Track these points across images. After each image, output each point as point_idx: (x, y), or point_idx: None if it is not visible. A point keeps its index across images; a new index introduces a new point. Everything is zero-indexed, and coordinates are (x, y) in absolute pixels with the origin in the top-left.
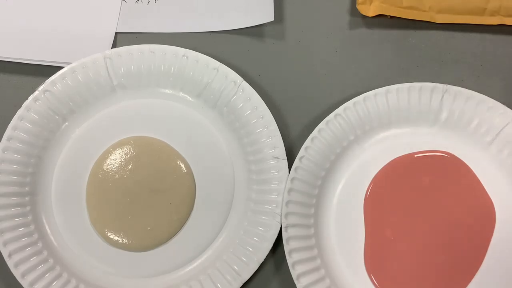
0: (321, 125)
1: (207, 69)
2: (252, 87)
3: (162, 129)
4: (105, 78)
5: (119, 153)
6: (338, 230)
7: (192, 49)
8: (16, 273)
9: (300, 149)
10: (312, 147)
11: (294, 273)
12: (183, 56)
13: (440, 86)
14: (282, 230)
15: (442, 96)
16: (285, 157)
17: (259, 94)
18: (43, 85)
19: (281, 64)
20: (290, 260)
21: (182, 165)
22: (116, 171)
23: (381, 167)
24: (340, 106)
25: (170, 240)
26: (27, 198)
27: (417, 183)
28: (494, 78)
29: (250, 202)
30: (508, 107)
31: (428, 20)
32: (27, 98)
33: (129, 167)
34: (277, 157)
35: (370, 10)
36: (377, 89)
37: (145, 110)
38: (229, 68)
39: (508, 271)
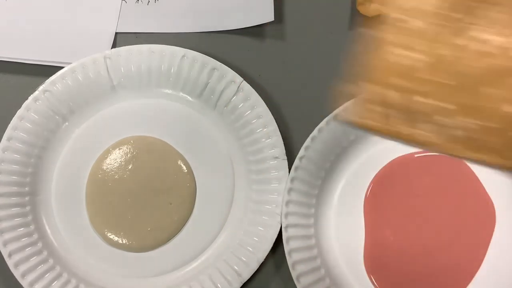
0: (321, 125)
1: (207, 69)
2: (252, 87)
3: (162, 129)
4: (105, 78)
5: (119, 153)
6: (338, 230)
7: (192, 49)
8: (16, 273)
9: (300, 149)
10: (312, 147)
11: (294, 273)
12: (183, 56)
13: None
14: (282, 230)
15: None
16: (285, 157)
17: (259, 94)
18: (43, 85)
19: (281, 64)
20: (290, 260)
21: (183, 165)
22: (116, 171)
23: (381, 167)
24: (340, 106)
25: (170, 241)
26: (27, 198)
27: (417, 183)
28: None
29: (250, 202)
30: None
31: None
32: (27, 98)
33: (129, 167)
34: (277, 157)
35: (370, 10)
36: None
37: (145, 110)
38: (229, 68)
39: (508, 271)
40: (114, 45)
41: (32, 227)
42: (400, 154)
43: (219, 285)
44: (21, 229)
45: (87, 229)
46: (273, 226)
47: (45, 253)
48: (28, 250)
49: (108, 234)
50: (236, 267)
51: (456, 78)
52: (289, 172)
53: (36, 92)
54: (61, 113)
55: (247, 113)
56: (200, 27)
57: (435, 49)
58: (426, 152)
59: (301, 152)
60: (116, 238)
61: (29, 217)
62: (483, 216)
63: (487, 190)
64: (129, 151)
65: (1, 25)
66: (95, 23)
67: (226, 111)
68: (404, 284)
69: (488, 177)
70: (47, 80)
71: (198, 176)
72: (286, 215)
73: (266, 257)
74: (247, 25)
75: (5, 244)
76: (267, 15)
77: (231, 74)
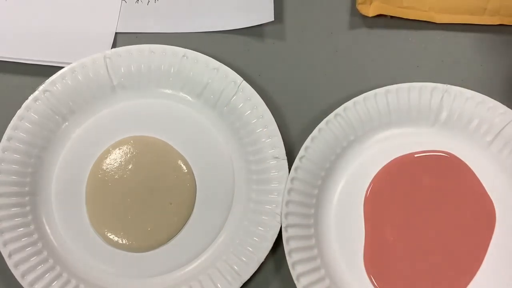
0: (321, 125)
1: (207, 69)
2: (252, 87)
3: (162, 129)
4: (105, 78)
5: (119, 153)
6: (338, 230)
7: (192, 49)
8: (16, 273)
9: (300, 149)
10: (312, 147)
11: (294, 273)
12: (183, 56)
13: (440, 86)
14: (282, 230)
15: (442, 96)
16: (285, 157)
17: (259, 94)
18: (43, 85)
19: (281, 64)
20: (290, 260)
21: (183, 165)
22: (116, 171)
23: (381, 167)
24: (340, 106)
25: (170, 241)
26: (27, 198)
27: (417, 183)
28: (494, 78)
29: (250, 202)
30: (508, 107)
31: (428, 20)
32: (27, 98)
33: (129, 167)
34: (277, 157)
35: (370, 10)
36: (377, 89)
37: (145, 110)
38: (229, 68)
39: (508, 271)
40: (114, 45)
41: (32, 227)
42: (400, 154)
43: (219, 285)
44: (21, 229)
45: (87, 229)
46: (273, 226)
47: (45, 253)
48: (28, 250)
49: (108, 234)
50: (236, 267)
51: None
52: (289, 172)
53: (36, 92)
54: (61, 113)
55: (247, 113)
56: (200, 27)
57: None
58: (426, 152)
59: (301, 152)
60: (116, 238)
61: (29, 217)
62: (483, 216)
63: (487, 190)
64: (129, 151)
65: (1, 25)
66: (95, 23)
67: (226, 111)
68: (404, 284)
69: (488, 177)
70: (47, 80)
71: (198, 176)
72: (286, 215)
73: (266, 257)
74: (247, 25)
75: (5, 244)
76: (267, 15)
77: (231, 74)
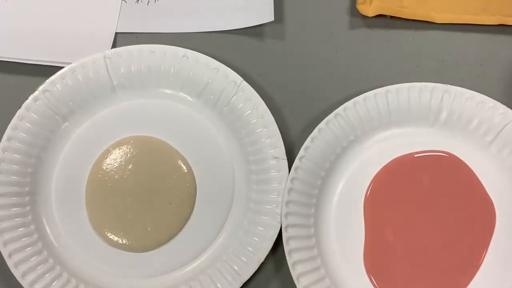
0: (321, 125)
1: (207, 69)
2: (252, 87)
3: (162, 129)
4: (105, 78)
5: (119, 153)
6: (338, 230)
7: (192, 49)
8: (16, 273)
9: (300, 149)
10: (312, 147)
11: (294, 273)
12: (183, 56)
13: (440, 86)
14: (282, 230)
15: (442, 96)
16: (285, 157)
17: (259, 94)
18: (43, 85)
19: (281, 64)
20: (290, 260)
21: (183, 165)
22: (116, 171)
23: (381, 167)
24: (340, 106)
25: (170, 241)
26: (27, 198)
27: (417, 183)
28: (494, 78)
29: (250, 202)
30: (508, 107)
31: (428, 20)
32: (27, 98)
33: (129, 167)
34: (277, 157)
35: (370, 10)
36: (377, 89)
37: (145, 110)
38: (229, 68)
39: (508, 271)
40: (114, 45)
41: (32, 227)
42: (400, 154)
43: (219, 285)
44: (21, 229)
45: (87, 229)
46: (273, 226)
47: (45, 253)
48: (28, 250)
49: (108, 234)
50: (236, 267)
51: None
52: (289, 172)
53: (36, 92)
54: (61, 113)
55: (247, 113)
56: (200, 27)
57: None
58: (426, 152)
59: (301, 152)
60: (116, 238)
61: (29, 217)
62: (483, 216)
63: (487, 190)
64: (129, 151)
65: (1, 25)
66: (95, 23)
67: (226, 111)
68: (404, 284)
69: (488, 177)
70: (47, 80)
71: (198, 176)
72: (286, 215)
73: (266, 257)
74: (247, 25)
75: (5, 244)
76: (267, 15)
77: (231, 74)
